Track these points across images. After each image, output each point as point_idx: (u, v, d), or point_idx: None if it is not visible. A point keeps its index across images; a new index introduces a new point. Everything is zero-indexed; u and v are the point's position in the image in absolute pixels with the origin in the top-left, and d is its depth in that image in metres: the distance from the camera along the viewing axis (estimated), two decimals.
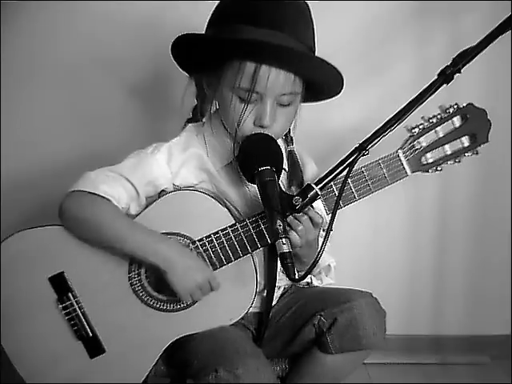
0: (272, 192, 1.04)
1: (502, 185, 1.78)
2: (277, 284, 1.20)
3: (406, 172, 1.11)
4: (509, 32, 1.06)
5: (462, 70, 1.05)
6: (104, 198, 1.09)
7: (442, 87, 1.05)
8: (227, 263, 1.11)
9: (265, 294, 1.20)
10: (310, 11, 1.10)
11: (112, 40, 1.60)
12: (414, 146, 1.10)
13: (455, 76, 1.05)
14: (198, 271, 1.08)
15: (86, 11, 1.57)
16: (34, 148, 1.65)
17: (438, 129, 1.10)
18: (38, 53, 1.60)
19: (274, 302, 1.23)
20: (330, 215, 1.03)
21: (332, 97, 1.18)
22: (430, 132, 1.10)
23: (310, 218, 1.07)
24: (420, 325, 1.89)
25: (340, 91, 1.14)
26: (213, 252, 1.10)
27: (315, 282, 1.24)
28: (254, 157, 1.07)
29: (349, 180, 1.09)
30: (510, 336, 1.86)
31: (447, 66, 1.05)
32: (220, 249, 1.10)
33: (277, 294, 1.24)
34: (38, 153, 1.65)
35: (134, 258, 1.10)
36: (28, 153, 1.65)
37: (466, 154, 1.11)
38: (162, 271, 1.07)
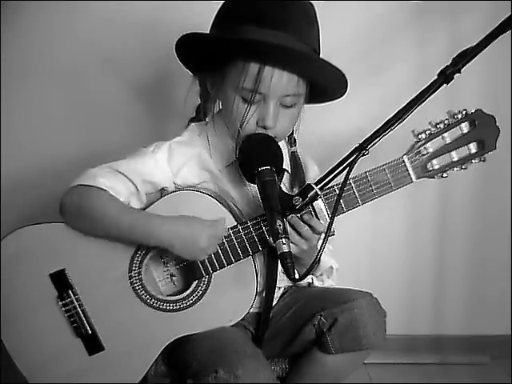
0: (272, 192, 1.04)
1: (502, 185, 1.78)
2: (277, 284, 1.20)
3: (411, 178, 1.09)
4: (509, 32, 1.06)
5: (461, 70, 1.05)
6: (101, 188, 1.08)
7: (441, 87, 1.05)
8: (228, 265, 1.11)
9: (264, 295, 1.20)
10: (315, 12, 1.10)
11: (112, 40, 1.60)
12: (420, 152, 1.08)
13: (455, 76, 1.05)
14: (199, 236, 1.07)
15: (86, 11, 1.57)
16: (34, 148, 1.65)
17: (445, 135, 1.07)
18: (38, 53, 1.60)
19: (274, 303, 1.22)
20: (330, 218, 1.03)
21: (336, 99, 1.17)
22: (437, 138, 1.08)
23: (312, 227, 1.07)
24: (420, 325, 1.89)
25: (344, 93, 1.14)
26: (214, 254, 1.10)
27: (316, 283, 1.24)
28: (254, 157, 1.07)
29: (352, 185, 1.08)
30: (510, 336, 1.86)
31: (447, 65, 1.05)
32: (221, 250, 1.10)
33: (277, 294, 1.24)
34: (38, 153, 1.65)
35: (134, 255, 1.11)
36: (28, 153, 1.65)
37: (473, 161, 1.09)
38: (166, 248, 1.07)
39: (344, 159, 1.05)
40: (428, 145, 1.08)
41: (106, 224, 1.07)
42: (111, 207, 1.08)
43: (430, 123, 1.08)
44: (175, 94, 1.56)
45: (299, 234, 1.07)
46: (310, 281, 1.24)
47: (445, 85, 1.05)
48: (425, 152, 1.08)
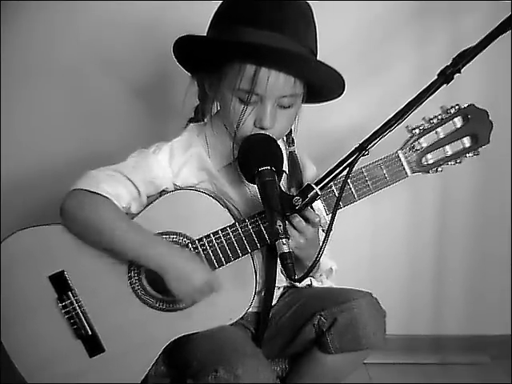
0: (272, 192, 1.04)
1: (502, 184, 1.78)
2: (277, 284, 1.20)
3: (407, 173, 1.10)
4: (509, 32, 1.06)
5: (461, 70, 1.05)
6: (105, 197, 1.09)
7: (441, 87, 1.05)
8: (226, 263, 1.11)
9: (263, 294, 1.20)
10: (312, 12, 1.09)
11: (112, 40, 1.60)
12: (414, 147, 1.09)
13: (455, 76, 1.05)
14: (196, 275, 1.07)
15: (87, 11, 1.57)
16: (34, 148, 1.65)
17: (438, 129, 1.09)
18: (39, 53, 1.60)
19: (273, 302, 1.22)
20: (330, 215, 1.03)
21: (333, 99, 1.17)
22: (431, 133, 1.09)
23: (306, 218, 1.07)
24: (420, 325, 1.89)
25: (341, 93, 1.14)
26: (212, 252, 1.10)
27: (315, 284, 1.24)
28: (254, 157, 1.07)
29: (348, 181, 1.08)
30: (510, 336, 1.86)
31: (447, 66, 1.05)
32: (219, 248, 1.10)
33: (277, 294, 1.24)
34: (38, 153, 1.65)
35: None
36: (28, 153, 1.65)
37: (467, 155, 1.11)
38: (161, 275, 1.07)
39: (344, 159, 1.05)
40: (422, 140, 1.09)
41: (109, 240, 1.08)
42: (118, 225, 1.08)
43: (423, 118, 1.09)
44: (175, 94, 1.56)
45: (293, 226, 1.07)
46: (309, 282, 1.24)
47: (445, 85, 1.05)
48: (419, 147, 1.10)
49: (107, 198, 1.09)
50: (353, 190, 1.10)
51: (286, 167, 1.20)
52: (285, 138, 1.22)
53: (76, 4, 1.56)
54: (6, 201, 1.66)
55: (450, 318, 1.88)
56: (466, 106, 1.09)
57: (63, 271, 1.12)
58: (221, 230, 1.10)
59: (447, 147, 1.10)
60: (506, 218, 1.81)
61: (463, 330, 1.89)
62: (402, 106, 1.05)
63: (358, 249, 1.80)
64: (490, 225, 1.83)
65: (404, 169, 1.10)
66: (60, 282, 1.12)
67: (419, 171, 1.11)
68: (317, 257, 0.99)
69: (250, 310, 1.15)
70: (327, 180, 1.06)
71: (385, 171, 1.10)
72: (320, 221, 1.08)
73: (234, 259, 1.11)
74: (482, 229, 1.83)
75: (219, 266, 1.11)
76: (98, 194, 1.08)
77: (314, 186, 1.05)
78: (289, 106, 1.10)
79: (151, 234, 1.10)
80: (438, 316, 1.87)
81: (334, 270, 1.25)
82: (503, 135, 1.70)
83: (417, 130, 1.09)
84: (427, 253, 1.83)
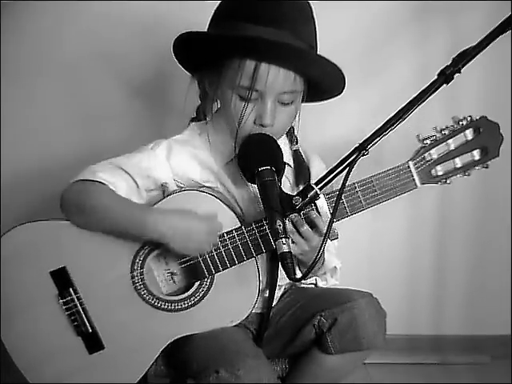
0: (272, 192, 1.04)
1: (502, 185, 1.78)
2: (278, 283, 1.20)
3: (416, 183, 1.10)
4: (509, 32, 1.06)
5: (461, 70, 1.05)
6: (101, 183, 1.09)
7: (441, 87, 1.05)
8: (231, 266, 1.11)
9: (265, 294, 1.20)
10: (311, 8, 1.10)
11: (113, 39, 1.60)
12: (424, 158, 1.08)
13: (455, 76, 1.05)
14: (195, 233, 1.07)
15: (87, 11, 1.58)
16: (33, 147, 1.65)
17: (449, 141, 1.08)
18: (39, 52, 1.61)
19: (274, 302, 1.23)
20: (330, 217, 1.03)
21: (335, 96, 1.17)
22: (442, 144, 1.08)
23: (313, 225, 1.07)
24: (420, 325, 1.89)
25: (342, 89, 1.14)
26: (217, 254, 1.10)
27: (320, 283, 1.25)
28: (254, 157, 1.07)
29: (358, 189, 1.08)
30: (510, 336, 1.86)
31: (447, 65, 1.05)
32: (224, 251, 1.10)
33: (277, 294, 1.24)
34: (37, 152, 1.65)
35: (136, 254, 1.11)
36: (28, 152, 1.65)
37: (476, 168, 1.10)
38: (163, 243, 1.07)
39: (344, 159, 1.05)
40: (433, 151, 1.09)
41: (103, 217, 1.07)
42: (108, 200, 1.08)
43: (434, 129, 1.08)
44: (175, 93, 1.56)
45: (300, 233, 1.07)
46: (314, 282, 1.24)
47: (445, 85, 1.05)
48: (429, 158, 1.09)
49: (103, 183, 1.09)
50: (361, 198, 1.09)
51: (292, 165, 1.21)
52: (288, 137, 1.22)
53: (75, 3, 1.56)
54: (5, 201, 1.66)
55: (451, 318, 1.88)
56: (477, 118, 1.08)
57: (65, 267, 1.11)
58: (226, 232, 1.10)
59: (457, 159, 1.10)
60: (506, 217, 1.81)
61: (463, 330, 1.89)
62: (403, 106, 1.05)
63: (359, 249, 1.80)
64: (489, 225, 1.82)
65: (414, 179, 1.09)
66: (61, 278, 1.11)
67: (428, 182, 1.10)
68: (316, 256, 0.99)
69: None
70: (327, 180, 1.06)
71: (394, 181, 1.09)
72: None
73: (239, 262, 1.11)
74: (482, 228, 1.82)
75: (224, 269, 1.11)
76: (94, 180, 1.09)
77: (313, 185, 1.06)
78: (289, 103, 1.10)
79: (144, 205, 1.10)
80: (438, 316, 1.87)
81: (339, 269, 1.25)
82: (504, 139, 1.70)
83: (428, 141, 1.08)
84: (427, 253, 1.83)
